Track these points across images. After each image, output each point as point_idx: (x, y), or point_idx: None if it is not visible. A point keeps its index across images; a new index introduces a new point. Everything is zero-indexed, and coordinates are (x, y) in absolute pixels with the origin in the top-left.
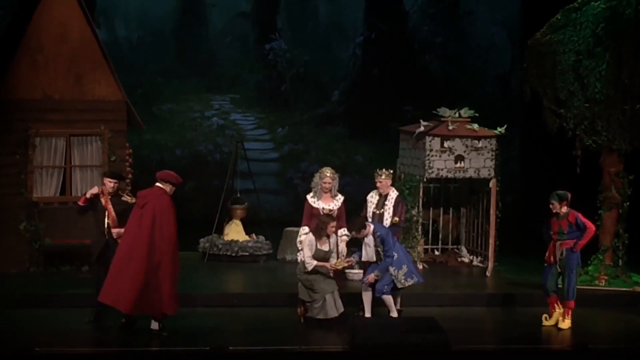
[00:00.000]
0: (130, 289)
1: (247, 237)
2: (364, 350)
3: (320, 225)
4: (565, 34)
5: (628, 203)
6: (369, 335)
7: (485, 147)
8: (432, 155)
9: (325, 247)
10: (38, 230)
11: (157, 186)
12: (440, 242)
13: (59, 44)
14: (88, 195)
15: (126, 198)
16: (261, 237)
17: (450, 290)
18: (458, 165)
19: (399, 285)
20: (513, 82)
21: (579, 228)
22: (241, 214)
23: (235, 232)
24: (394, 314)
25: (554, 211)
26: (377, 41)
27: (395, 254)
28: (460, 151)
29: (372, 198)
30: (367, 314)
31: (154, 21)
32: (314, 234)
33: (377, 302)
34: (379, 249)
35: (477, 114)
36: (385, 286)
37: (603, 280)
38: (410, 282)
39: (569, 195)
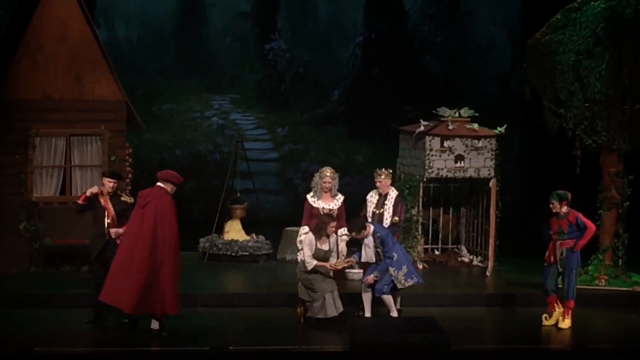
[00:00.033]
0: (133, 289)
1: (247, 237)
2: (364, 350)
3: (321, 225)
4: (565, 34)
5: (628, 203)
6: (369, 335)
7: (485, 146)
8: (432, 155)
9: (325, 247)
10: (38, 230)
11: (158, 186)
12: (440, 241)
13: (59, 44)
14: (88, 194)
15: (125, 198)
16: (261, 237)
17: (450, 290)
18: (458, 165)
19: (399, 286)
20: (513, 82)
21: (579, 228)
22: (241, 214)
23: (235, 231)
24: (394, 314)
25: (554, 211)
26: (377, 41)
27: (395, 255)
28: (460, 151)
29: (372, 198)
30: (367, 314)
31: (154, 21)
32: (314, 234)
33: (377, 302)
34: (378, 249)
35: (477, 114)
36: (385, 286)
37: (603, 280)
38: (410, 283)
39: (569, 195)
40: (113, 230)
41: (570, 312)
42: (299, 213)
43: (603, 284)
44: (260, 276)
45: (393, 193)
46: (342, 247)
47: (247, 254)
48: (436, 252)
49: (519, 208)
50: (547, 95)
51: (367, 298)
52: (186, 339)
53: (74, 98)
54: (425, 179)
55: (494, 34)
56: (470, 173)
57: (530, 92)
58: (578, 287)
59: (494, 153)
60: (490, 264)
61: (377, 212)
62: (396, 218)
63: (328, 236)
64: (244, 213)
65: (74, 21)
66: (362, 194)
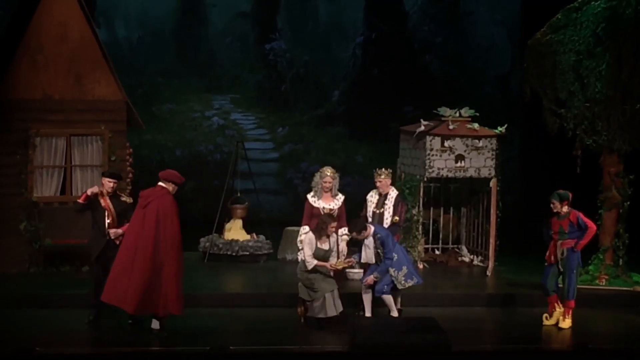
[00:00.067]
0: (135, 289)
1: (247, 237)
2: (364, 351)
3: (321, 225)
4: (565, 34)
5: (628, 203)
6: (369, 336)
7: (486, 146)
8: (433, 155)
9: (325, 246)
10: (38, 231)
11: (160, 186)
12: (440, 241)
13: (59, 44)
14: (89, 193)
15: (125, 198)
16: (261, 237)
17: (450, 290)
18: (458, 164)
19: (399, 287)
20: (513, 82)
21: (580, 228)
22: (241, 214)
23: (235, 231)
24: (395, 314)
25: (555, 211)
26: (377, 41)
27: (395, 255)
28: (460, 151)
29: (372, 197)
30: (367, 314)
31: (154, 21)
32: (314, 233)
33: (378, 302)
34: (379, 250)
35: (477, 114)
36: (385, 286)
37: (603, 280)
38: (410, 283)
39: (570, 195)
40: (112, 231)
41: (570, 312)
42: (299, 213)
43: (603, 284)
44: (261, 276)
45: (393, 193)
46: (343, 247)
47: (247, 253)
48: (437, 252)
49: (519, 208)
50: (547, 95)
51: (367, 298)
52: (186, 339)
53: (74, 98)
54: (425, 179)
55: (494, 34)
56: (471, 173)
57: (530, 92)
58: (578, 287)
59: (494, 153)
60: (490, 264)
61: (377, 212)
62: (396, 218)
63: (328, 236)
64: (245, 213)
65: (74, 21)
66: (363, 194)
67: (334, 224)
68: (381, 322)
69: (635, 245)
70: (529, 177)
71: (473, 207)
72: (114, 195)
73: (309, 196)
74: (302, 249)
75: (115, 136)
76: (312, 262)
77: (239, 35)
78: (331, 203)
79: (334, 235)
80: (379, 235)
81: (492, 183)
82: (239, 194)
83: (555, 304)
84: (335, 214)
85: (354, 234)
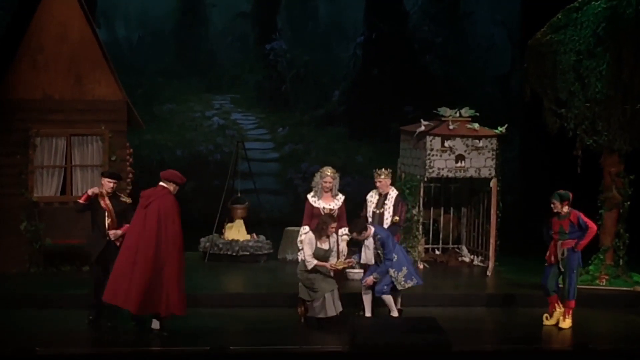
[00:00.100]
0: (137, 289)
1: (247, 237)
2: (365, 351)
3: (321, 225)
4: (565, 34)
5: (629, 203)
6: (369, 336)
7: (486, 146)
8: (433, 155)
9: (325, 246)
10: (38, 230)
11: (161, 185)
12: (440, 241)
13: (59, 44)
14: (90, 193)
15: (124, 199)
16: (262, 237)
17: (450, 290)
18: (459, 164)
19: (399, 287)
20: (513, 82)
21: (580, 228)
22: (242, 214)
23: (236, 231)
24: (395, 314)
25: (555, 211)
26: (377, 41)
27: (395, 256)
28: (460, 151)
29: (372, 197)
30: (368, 314)
31: (154, 21)
32: (314, 233)
33: (378, 302)
34: (379, 251)
35: (477, 114)
36: (385, 286)
37: (604, 280)
38: (410, 284)
39: (571, 195)
40: (112, 232)
41: (570, 312)
42: (299, 213)
43: (604, 284)
44: (261, 276)
45: (393, 193)
46: (343, 247)
47: (247, 253)
48: (437, 252)
49: (519, 208)
50: (547, 95)
51: (367, 298)
52: (187, 339)
53: (74, 98)
54: (426, 179)
55: (494, 34)
56: (471, 173)
57: (530, 92)
58: (579, 287)
59: (494, 153)
60: (490, 264)
61: (378, 212)
62: (396, 218)
63: (328, 236)
64: (245, 213)
65: (74, 21)
66: (363, 194)
67: (334, 224)
68: (381, 322)
69: (635, 245)
70: (529, 177)
71: (473, 207)
72: (113, 196)
73: (309, 196)
74: (302, 248)
75: (115, 136)
76: (312, 262)
77: (239, 35)
78: (331, 203)
79: (334, 235)
80: (379, 236)
81: (493, 183)
82: (239, 194)
83: (556, 304)
84: (335, 214)
85: (355, 234)
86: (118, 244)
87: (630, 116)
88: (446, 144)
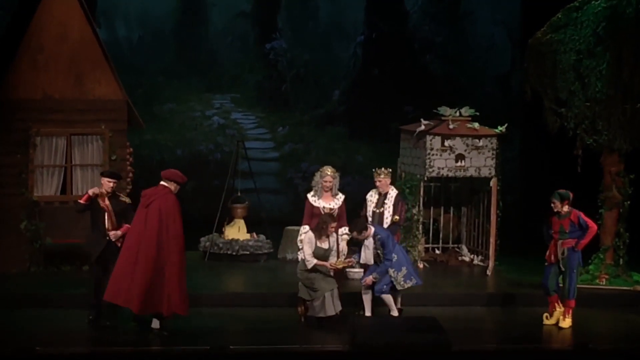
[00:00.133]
0: (139, 289)
1: (247, 236)
2: (365, 350)
3: (321, 224)
4: (565, 33)
5: (629, 202)
6: (369, 335)
7: (486, 146)
8: (433, 154)
9: (325, 245)
10: (39, 230)
11: (162, 185)
12: (440, 241)
13: (60, 43)
14: (90, 193)
15: (123, 198)
16: (262, 236)
17: (450, 289)
18: (459, 164)
19: (398, 287)
20: (513, 82)
21: (581, 227)
22: (242, 213)
23: (236, 231)
24: (395, 313)
25: (555, 210)
26: (377, 41)
27: (395, 256)
28: (461, 150)
29: (372, 197)
30: (368, 314)
31: (155, 21)
32: (314, 232)
33: (378, 302)
34: (378, 251)
35: (477, 113)
36: (385, 286)
37: (604, 280)
38: (409, 284)
39: (571, 194)
40: (112, 233)
41: (570, 312)
42: (299, 212)
43: (604, 283)
44: (261, 276)
45: (393, 192)
46: (343, 246)
47: (247, 253)
48: (437, 252)
49: (519, 208)
50: (547, 94)
51: (367, 298)
52: (187, 339)
53: (75, 98)
54: (426, 178)
55: (494, 34)
56: (471, 172)
57: (530, 91)
58: (579, 286)
59: (494, 152)
60: (490, 264)
61: (377, 211)
62: (396, 217)
63: (328, 235)
64: (245, 212)
65: (74, 21)
66: (363, 193)
67: (334, 225)
68: (381, 321)
69: (635, 244)
70: (529, 177)
71: (473, 207)
72: (112, 196)
73: (309, 196)
74: (302, 248)
75: (115, 136)
76: (312, 261)
77: (240, 34)
78: (331, 202)
79: (334, 234)
80: (379, 236)
81: (493, 182)
82: (239, 194)
83: (556, 304)
84: (335, 213)
85: (355, 233)
86: (119, 244)
87: (630, 115)
88: (446, 143)
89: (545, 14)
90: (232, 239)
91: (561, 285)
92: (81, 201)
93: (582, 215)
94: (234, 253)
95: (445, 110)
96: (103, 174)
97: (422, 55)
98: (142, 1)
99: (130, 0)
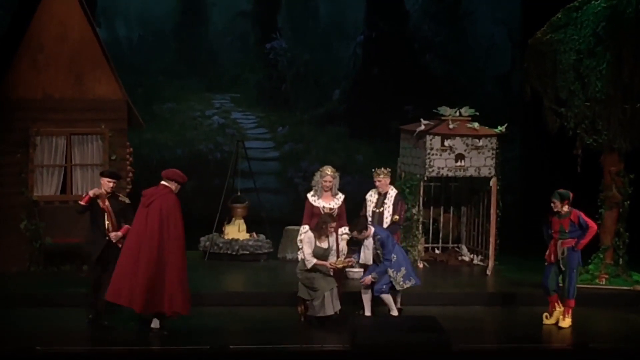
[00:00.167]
0: (141, 289)
1: (247, 236)
2: (365, 350)
3: (321, 224)
4: (565, 33)
5: (629, 202)
6: (369, 335)
7: (486, 145)
8: (433, 154)
9: (325, 245)
10: (38, 229)
11: (163, 184)
12: (440, 240)
13: (60, 43)
14: (91, 195)
15: (123, 198)
16: (262, 236)
17: (450, 289)
18: (458, 164)
19: (397, 287)
20: (513, 82)
21: (581, 227)
22: (242, 213)
23: (235, 230)
24: (395, 313)
25: (555, 210)
26: (377, 40)
27: (395, 256)
28: (460, 150)
29: (371, 197)
30: (367, 313)
31: (155, 20)
32: (313, 232)
33: (378, 302)
34: (378, 251)
35: (477, 113)
36: (384, 285)
37: (604, 279)
38: (408, 284)
39: (571, 194)
40: (113, 234)
41: (570, 311)
42: (299, 212)
43: (604, 283)
44: (261, 275)
45: (392, 192)
46: (343, 246)
47: (247, 253)
48: (437, 251)
49: (519, 207)
50: (547, 94)
51: (367, 297)
52: (186, 338)
53: (75, 97)
54: (425, 178)
55: (494, 34)
56: (471, 172)
57: (530, 91)
58: (579, 286)
59: (494, 152)
60: (490, 263)
61: (377, 211)
62: (396, 217)
63: (327, 235)
64: (245, 212)
65: (75, 21)
66: (363, 193)
67: (334, 225)
68: (381, 321)
69: (635, 244)
70: (529, 177)
71: (473, 207)
72: (112, 196)
73: (309, 195)
74: (302, 247)
75: (115, 135)
76: (311, 261)
77: (240, 34)
78: (331, 202)
79: (333, 234)
80: (379, 237)
81: (492, 182)
82: (239, 193)
83: (556, 304)
84: (335, 213)
85: (355, 233)
86: (120, 245)
87: (630, 115)
88: (446, 143)
89: (545, 14)
90: (232, 239)
91: (561, 285)
92: (82, 202)
93: (582, 215)
94: (234, 253)
95: (445, 110)
96: (103, 174)
97: (422, 55)
98: (142, 1)
99: (130, 0)
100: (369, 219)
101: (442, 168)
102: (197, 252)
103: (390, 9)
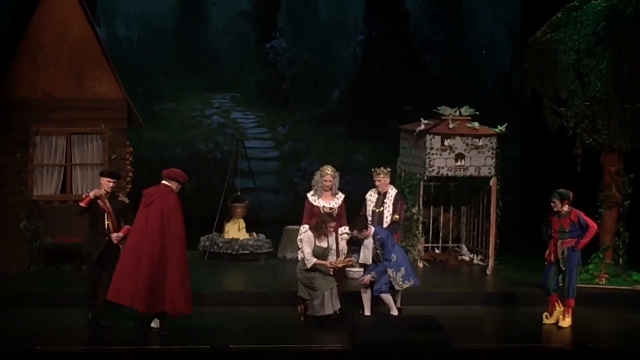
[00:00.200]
0: (144, 288)
1: (247, 236)
2: (364, 349)
3: (320, 224)
4: (565, 33)
5: (628, 202)
6: (369, 334)
7: (486, 145)
8: (433, 154)
9: (324, 244)
10: (38, 229)
11: (163, 184)
12: (440, 240)
13: (60, 43)
14: (92, 196)
15: (122, 198)
16: (261, 236)
17: (450, 288)
18: (458, 163)
19: (397, 287)
20: (513, 82)
21: (581, 227)
22: (242, 213)
23: (235, 230)
24: (394, 312)
25: (555, 210)
26: (377, 40)
27: (394, 256)
28: (460, 149)
29: (371, 197)
30: (367, 313)
31: (155, 20)
32: (313, 232)
33: (377, 301)
34: (378, 251)
35: (477, 113)
36: (384, 285)
37: (603, 279)
38: (407, 285)
39: (571, 194)
40: (114, 235)
41: (570, 311)
42: (299, 212)
43: (603, 282)
44: (261, 275)
45: (392, 191)
46: (343, 245)
47: (247, 252)
48: (436, 251)
49: (519, 207)
50: (547, 94)
51: (366, 297)
52: (186, 338)
53: (75, 97)
54: (425, 178)
55: (494, 34)
56: (471, 172)
57: (530, 91)
58: (578, 285)
59: (494, 152)
60: (490, 263)
61: (377, 210)
62: (396, 216)
63: (327, 235)
64: (245, 212)
65: (74, 20)
66: (363, 193)
67: (333, 224)
68: (381, 320)
69: (635, 244)
70: (529, 177)
71: (473, 206)
72: (112, 196)
73: (309, 195)
74: (302, 247)
75: (115, 135)
76: (311, 260)
77: (240, 34)
78: (331, 202)
79: (333, 233)
80: (378, 237)
81: (492, 182)
82: (239, 193)
83: (556, 303)
84: (335, 212)
85: (355, 232)
86: (121, 246)
87: (630, 115)
88: (446, 142)
89: (545, 14)
90: (232, 238)
91: (561, 284)
92: (82, 204)
93: (582, 214)
94: (234, 252)
95: (445, 110)
96: (102, 174)
97: (422, 55)
98: (142, 1)
99: (130, 0)
100: (369, 218)
101: (442, 168)
102: (197, 252)
103: (390, 8)
